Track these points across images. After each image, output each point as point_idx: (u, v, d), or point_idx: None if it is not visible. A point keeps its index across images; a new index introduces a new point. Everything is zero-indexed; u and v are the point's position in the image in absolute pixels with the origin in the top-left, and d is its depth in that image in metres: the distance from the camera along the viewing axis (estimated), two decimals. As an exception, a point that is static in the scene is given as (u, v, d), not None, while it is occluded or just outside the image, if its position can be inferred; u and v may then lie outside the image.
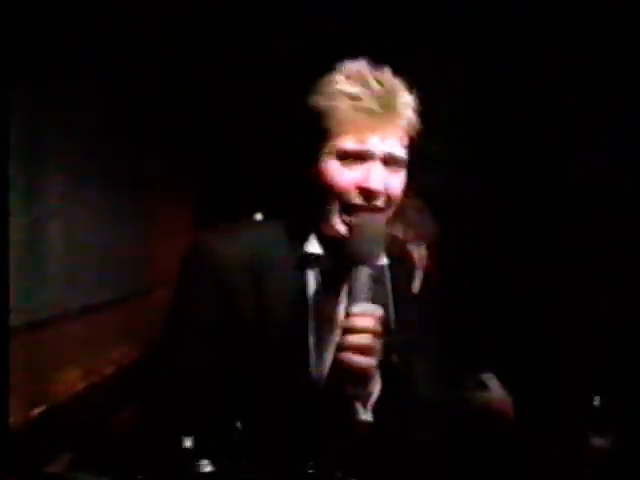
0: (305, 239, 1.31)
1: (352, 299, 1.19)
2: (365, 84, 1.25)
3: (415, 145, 1.30)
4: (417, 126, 1.29)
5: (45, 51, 1.94)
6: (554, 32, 2.47)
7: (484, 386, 1.94)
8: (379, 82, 1.26)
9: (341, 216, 1.26)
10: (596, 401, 1.48)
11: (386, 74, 1.28)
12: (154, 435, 1.27)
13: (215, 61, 2.72)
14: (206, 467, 1.15)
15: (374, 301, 1.20)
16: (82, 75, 2.14)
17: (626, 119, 2.41)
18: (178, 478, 1.14)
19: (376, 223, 1.26)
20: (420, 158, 1.33)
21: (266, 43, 2.65)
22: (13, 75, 1.75)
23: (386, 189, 1.26)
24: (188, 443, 1.14)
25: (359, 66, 1.28)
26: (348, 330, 1.16)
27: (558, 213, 2.57)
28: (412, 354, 1.35)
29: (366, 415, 1.24)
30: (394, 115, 1.25)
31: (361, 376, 1.18)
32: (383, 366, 1.23)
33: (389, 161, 1.26)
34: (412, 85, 1.31)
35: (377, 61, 1.30)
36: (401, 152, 1.27)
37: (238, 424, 1.20)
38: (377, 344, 1.17)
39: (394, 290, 1.36)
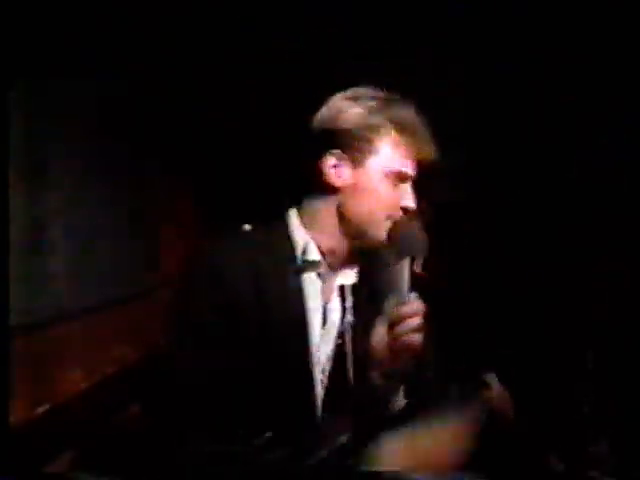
0: (303, 246, 1.40)
1: (397, 290, 1.31)
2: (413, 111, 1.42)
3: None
4: None
5: (45, 51, 1.94)
6: (554, 32, 2.48)
7: (487, 386, 1.94)
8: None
9: (384, 225, 1.41)
10: (595, 400, 1.49)
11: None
12: (160, 436, 1.29)
13: (215, 61, 2.72)
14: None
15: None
16: (82, 75, 2.14)
17: (626, 119, 2.41)
18: (179, 478, 1.15)
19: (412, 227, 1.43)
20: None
21: (266, 43, 2.65)
22: (13, 75, 1.75)
23: None
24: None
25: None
26: (406, 315, 1.29)
27: (558, 213, 2.57)
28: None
29: (401, 401, 1.37)
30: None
31: (415, 354, 1.31)
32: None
33: None
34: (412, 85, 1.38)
35: (377, 61, 1.32)
36: None
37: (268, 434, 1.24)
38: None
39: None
